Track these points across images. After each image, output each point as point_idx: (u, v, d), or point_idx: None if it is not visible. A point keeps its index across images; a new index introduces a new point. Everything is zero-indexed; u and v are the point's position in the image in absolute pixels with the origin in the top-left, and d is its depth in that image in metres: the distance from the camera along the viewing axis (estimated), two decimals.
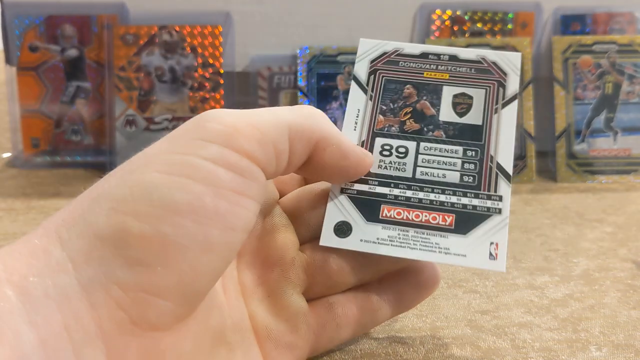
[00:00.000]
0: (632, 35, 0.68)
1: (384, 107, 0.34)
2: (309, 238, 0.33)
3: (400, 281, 0.34)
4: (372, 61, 0.35)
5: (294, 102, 0.65)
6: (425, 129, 0.33)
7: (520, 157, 0.66)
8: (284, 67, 0.66)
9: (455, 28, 0.69)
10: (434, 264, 0.35)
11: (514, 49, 0.67)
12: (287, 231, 0.32)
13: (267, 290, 0.31)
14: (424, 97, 0.34)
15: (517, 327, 0.39)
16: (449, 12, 0.69)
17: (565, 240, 0.52)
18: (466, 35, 0.69)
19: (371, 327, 0.35)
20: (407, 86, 0.34)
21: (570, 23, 0.69)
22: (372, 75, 0.34)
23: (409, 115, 0.34)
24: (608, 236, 0.53)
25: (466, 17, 0.69)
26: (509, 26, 0.69)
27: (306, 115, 0.29)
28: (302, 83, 0.65)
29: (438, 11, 0.69)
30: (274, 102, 0.65)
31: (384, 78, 0.34)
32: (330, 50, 0.66)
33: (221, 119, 0.26)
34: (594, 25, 0.69)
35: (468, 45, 0.67)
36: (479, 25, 0.69)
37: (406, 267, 0.34)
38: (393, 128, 0.33)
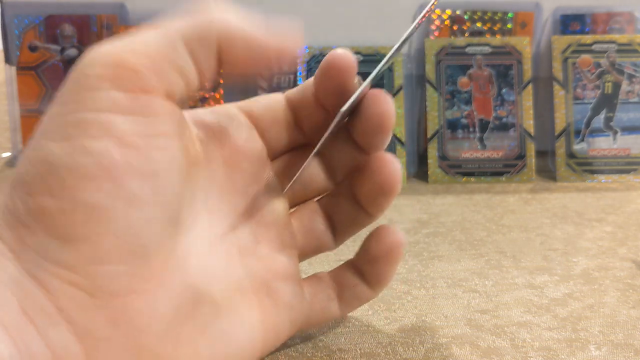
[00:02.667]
0: (631, 34, 0.68)
1: None
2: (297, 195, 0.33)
3: (360, 259, 0.35)
4: None
5: None
6: None
7: (519, 157, 0.66)
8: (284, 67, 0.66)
9: (455, 28, 0.69)
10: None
11: (513, 48, 0.67)
12: (278, 192, 0.32)
13: (266, 249, 0.31)
14: None
15: (516, 326, 0.39)
16: (448, 11, 0.69)
17: (565, 240, 0.52)
18: (466, 34, 0.69)
19: (356, 304, 0.35)
20: None
21: (569, 23, 0.70)
22: None
23: None
24: (608, 235, 0.53)
25: (466, 17, 0.69)
26: (509, 26, 0.69)
27: (202, 19, 0.26)
28: (301, 83, 0.65)
29: (438, 11, 0.69)
30: None
31: None
32: (330, 50, 0.66)
33: (102, 59, 0.23)
34: (594, 25, 0.69)
35: (467, 45, 0.67)
36: (478, 24, 0.69)
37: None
38: None
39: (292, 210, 0.34)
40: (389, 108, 0.30)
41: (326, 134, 0.31)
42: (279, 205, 0.32)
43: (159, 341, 0.25)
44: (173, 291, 0.25)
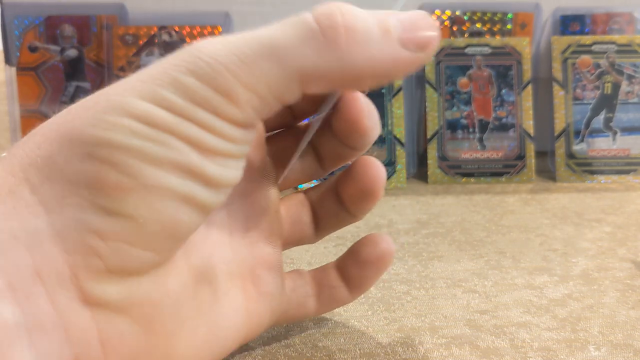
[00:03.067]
0: (631, 35, 0.68)
1: None
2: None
3: (346, 261, 0.34)
4: None
5: None
6: None
7: (519, 157, 0.66)
8: None
9: (455, 28, 0.69)
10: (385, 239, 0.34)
11: (513, 49, 0.67)
12: (270, 181, 0.31)
13: (255, 236, 0.30)
14: None
15: (516, 326, 0.39)
16: (448, 12, 0.69)
17: (565, 240, 0.52)
18: (465, 35, 0.69)
19: (332, 305, 0.35)
20: None
21: (569, 23, 0.70)
22: None
23: None
24: (607, 236, 0.53)
25: (465, 17, 0.69)
26: (508, 26, 0.69)
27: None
28: None
29: (437, 11, 0.69)
30: None
31: None
32: None
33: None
34: (593, 26, 0.70)
35: (467, 46, 0.67)
36: (478, 25, 0.69)
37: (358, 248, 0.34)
38: None
39: (281, 198, 0.33)
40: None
41: (312, 129, 0.30)
42: (272, 192, 0.31)
43: (167, 318, 0.25)
44: (180, 270, 0.26)
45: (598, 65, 0.67)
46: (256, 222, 0.30)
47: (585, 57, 0.67)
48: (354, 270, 0.33)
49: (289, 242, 0.34)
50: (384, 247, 0.32)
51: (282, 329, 0.39)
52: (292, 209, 0.33)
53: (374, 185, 0.31)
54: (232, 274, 0.29)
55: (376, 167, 0.31)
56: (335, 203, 0.33)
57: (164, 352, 0.25)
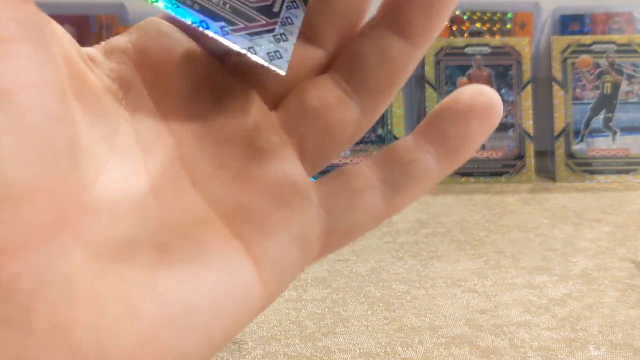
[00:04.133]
0: (631, 35, 0.68)
1: None
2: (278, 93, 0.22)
3: (438, 117, 0.23)
4: None
5: None
6: None
7: (519, 157, 0.66)
8: None
9: (455, 28, 0.69)
10: None
11: (513, 49, 0.67)
12: (235, 88, 0.22)
13: (235, 169, 0.21)
14: None
15: (515, 326, 0.39)
16: None
17: (564, 240, 0.52)
18: (465, 35, 0.69)
19: (416, 189, 0.22)
20: None
21: (569, 23, 0.70)
22: None
23: None
24: (607, 236, 0.53)
25: (465, 17, 0.69)
26: (508, 26, 0.69)
27: None
28: None
29: None
30: None
31: None
32: None
33: None
34: (593, 26, 0.70)
35: (467, 46, 0.67)
36: (478, 25, 0.69)
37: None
38: None
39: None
40: None
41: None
42: (251, 110, 0.22)
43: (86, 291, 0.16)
44: (89, 237, 0.17)
45: (598, 65, 0.67)
46: (234, 153, 0.21)
47: (585, 57, 0.67)
48: (450, 127, 0.22)
49: (325, 139, 0.22)
50: (491, 94, 0.23)
51: (282, 329, 0.39)
52: (320, 89, 0.22)
53: None
54: (197, 226, 0.20)
55: None
56: (387, 41, 0.22)
57: None
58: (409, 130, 0.66)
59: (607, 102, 0.67)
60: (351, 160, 0.64)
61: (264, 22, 0.22)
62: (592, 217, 0.57)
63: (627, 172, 0.66)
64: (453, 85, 0.66)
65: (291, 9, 0.22)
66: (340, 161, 0.64)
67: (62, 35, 0.19)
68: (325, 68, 0.22)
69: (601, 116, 0.67)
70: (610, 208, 0.59)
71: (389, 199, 0.22)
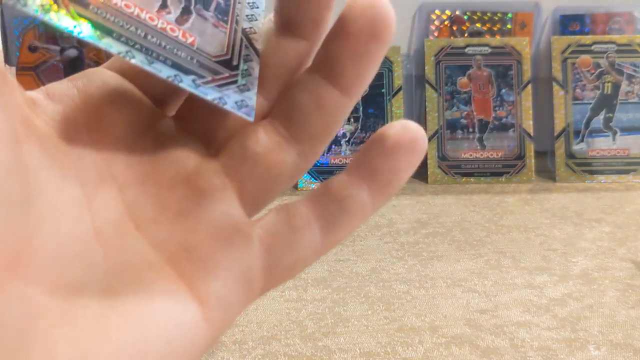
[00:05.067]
0: (631, 35, 0.68)
1: None
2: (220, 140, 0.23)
3: (367, 154, 0.23)
4: None
5: None
6: None
7: (519, 157, 0.66)
8: None
9: (455, 28, 0.69)
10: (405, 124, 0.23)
11: (513, 49, 0.67)
12: (177, 135, 0.23)
13: (177, 211, 0.22)
14: None
15: (515, 326, 0.39)
16: (448, 12, 0.69)
17: (564, 240, 0.52)
18: (465, 35, 0.69)
19: (351, 223, 0.23)
20: None
21: (569, 23, 0.70)
22: None
23: None
24: (607, 236, 0.53)
25: (465, 17, 0.69)
26: (508, 26, 0.69)
27: None
28: None
29: (437, 11, 0.69)
30: None
31: None
32: None
33: None
34: (593, 25, 0.70)
35: (467, 46, 0.67)
36: (478, 25, 0.69)
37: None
38: None
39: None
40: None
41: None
42: (192, 155, 0.23)
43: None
44: (40, 283, 0.18)
45: (598, 65, 0.67)
46: (171, 195, 0.22)
47: (585, 57, 0.67)
48: (380, 162, 0.23)
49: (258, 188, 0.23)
50: (415, 129, 0.23)
51: (282, 329, 0.39)
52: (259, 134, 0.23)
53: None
54: (154, 266, 0.21)
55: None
56: (316, 89, 0.23)
57: None
58: None
59: (607, 102, 0.67)
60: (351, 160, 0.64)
61: (227, 75, 0.24)
62: (592, 217, 0.57)
63: (627, 172, 0.66)
64: (453, 85, 0.67)
65: (247, 61, 0.24)
66: (341, 161, 0.64)
67: (11, 79, 0.19)
68: (265, 114, 0.24)
69: (601, 116, 0.67)
70: (610, 208, 0.59)
71: (326, 234, 0.23)
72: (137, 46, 0.23)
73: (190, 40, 0.24)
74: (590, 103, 0.67)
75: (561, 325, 0.39)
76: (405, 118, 0.65)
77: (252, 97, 0.24)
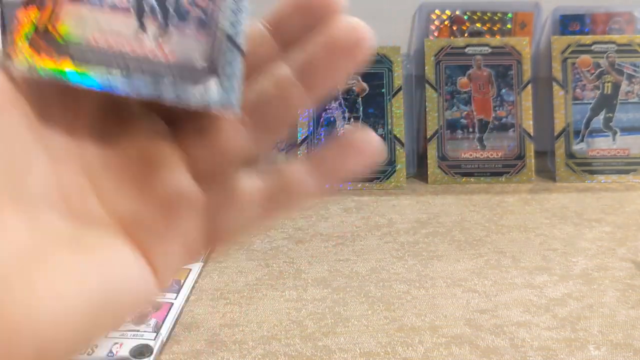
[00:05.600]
0: (631, 35, 0.68)
1: None
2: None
3: (322, 149, 0.25)
4: None
5: None
6: None
7: (519, 157, 0.66)
8: None
9: (455, 28, 0.69)
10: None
11: (513, 48, 0.67)
12: (139, 113, 0.25)
13: (134, 184, 0.24)
14: None
15: (515, 326, 0.39)
16: (448, 12, 0.69)
17: (564, 240, 0.52)
18: (465, 35, 0.69)
19: (292, 202, 0.25)
20: None
21: (569, 23, 0.70)
22: None
23: None
24: (607, 236, 0.53)
25: (465, 17, 0.69)
26: (508, 26, 0.69)
27: None
28: None
29: (437, 11, 0.69)
30: None
31: None
32: None
33: None
34: (593, 25, 0.70)
35: (467, 46, 0.67)
36: (478, 25, 0.69)
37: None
38: None
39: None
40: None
41: None
42: (149, 130, 0.24)
43: None
44: (23, 224, 0.21)
45: (598, 65, 0.67)
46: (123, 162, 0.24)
47: (585, 57, 0.67)
48: (330, 155, 0.25)
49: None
50: (371, 133, 0.24)
51: (282, 328, 0.39)
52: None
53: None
54: (99, 227, 0.23)
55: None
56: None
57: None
58: (409, 130, 0.66)
59: (607, 102, 0.67)
60: None
61: (210, 81, 0.26)
62: (592, 217, 0.57)
63: (627, 172, 0.66)
64: (453, 85, 0.67)
65: (231, 63, 0.26)
66: None
67: None
68: None
69: (601, 116, 0.67)
70: (610, 208, 0.59)
71: (268, 211, 0.25)
72: (120, 73, 0.25)
73: (168, 55, 0.26)
74: (590, 103, 0.67)
75: (561, 325, 0.39)
76: (405, 118, 0.65)
77: (237, 98, 0.25)
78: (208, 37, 0.27)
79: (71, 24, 0.27)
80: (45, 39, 0.27)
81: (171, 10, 0.28)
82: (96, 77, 0.25)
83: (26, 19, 0.27)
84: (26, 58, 0.25)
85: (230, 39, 0.27)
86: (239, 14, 0.29)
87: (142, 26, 0.27)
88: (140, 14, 0.27)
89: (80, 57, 0.26)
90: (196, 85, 0.25)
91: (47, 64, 0.25)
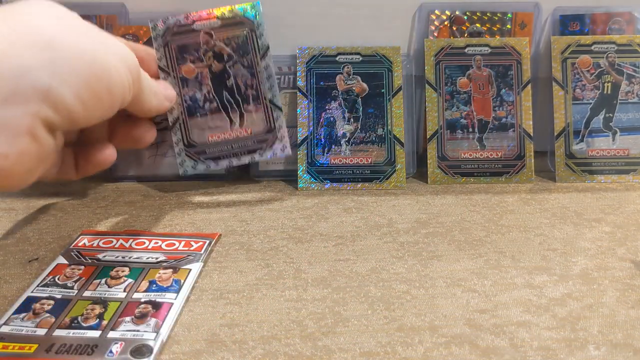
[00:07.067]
0: (631, 35, 0.68)
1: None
2: None
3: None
4: None
5: (293, 102, 0.66)
6: None
7: (519, 157, 0.66)
8: (283, 67, 0.66)
9: (454, 28, 0.69)
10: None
11: (513, 49, 0.67)
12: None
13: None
14: None
15: (515, 326, 0.39)
16: (448, 12, 0.69)
17: (564, 240, 0.52)
18: (465, 35, 0.69)
19: (59, 175, 0.47)
20: None
21: (569, 23, 0.70)
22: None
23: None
24: (607, 236, 0.53)
25: (465, 17, 0.69)
26: (508, 26, 0.69)
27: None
28: (301, 83, 0.65)
29: (437, 11, 0.69)
30: None
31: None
32: (330, 50, 0.66)
33: None
34: (593, 25, 0.70)
35: (467, 46, 0.67)
36: (478, 25, 0.69)
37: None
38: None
39: None
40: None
41: None
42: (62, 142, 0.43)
43: None
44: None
45: (598, 65, 0.67)
46: None
47: (585, 57, 0.67)
48: (82, 162, 0.48)
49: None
50: (108, 153, 0.48)
51: (282, 328, 0.39)
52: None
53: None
54: None
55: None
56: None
57: None
58: (409, 130, 0.66)
59: (607, 102, 0.67)
60: (351, 161, 0.64)
61: (271, 137, 0.58)
62: (592, 217, 0.57)
63: (627, 172, 0.66)
64: (453, 85, 0.67)
65: (277, 119, 0.58)
66: (341, 161, 0.64)
67: None
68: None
69: (601, 116, 0.67)
70: (610, 208, 0.59)
71: (79, 171, 0.48)
72: (230, 155, 0.58)
73: (248, 131, 0.57)
74: (590, 103, 0.67)
75: (561, 325, 0.39)
76: (405, 118, 0.65)
77: (287, 143, 0.56)
78: (261, 107, 0.56)
79: (195, 131, 0.58)
80: (190, 147, 0.58)
81: (240, 99, 0.57)
82: (223, 162, 0.58)
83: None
84: (181, 164, 0.59)
85: (272, 102, 0.57)
86: (271, 79, 0.58)
87: (231, 120, 0.58)
88: (226, 111, 0.58)
89: (211, 153, 0.58)
90: (271, 148, 0.58)
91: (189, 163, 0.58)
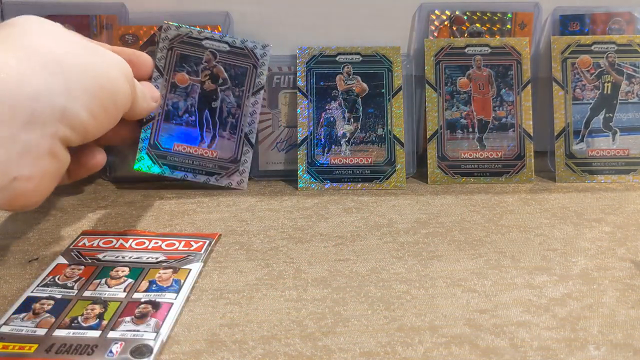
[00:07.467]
0: (631, 35, 0.68)
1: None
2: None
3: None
4: None
5: (293, 102, 0.65)
6: None
7: (519, 157, 0.66)
8: (284, 67, 0.66)
9: (454, 28, 0.69)
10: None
11: (513, 49, 0.67)
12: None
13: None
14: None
15: (515, 326, 0.39)
16: (447, 12, 0.69)
17: (564, 240, 0.52)
18: (465, 35, 0.69)
19: (86, 173, 0.48)
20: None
21: (569, 23, 0.70)
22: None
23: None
24: (607, 236, 0.53)
25: (465, 17, 0.69)
26: (508, 26, 0.69)
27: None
28: (301, 83, 0.65)
29: (437, 11, 0.69)
30: (273, 102, 0.65)
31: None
32: (330, 50, 0.66)
33: None
34: (593, 25, 0.70)
35: (467, 46, 0.67)
36: (477, 25, 0.69)
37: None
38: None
39: None
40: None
41: None
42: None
43: None
44: None
45: (598, 65, 0.67)
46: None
47: (585, 57, 0.67)
48: (74, 166, 0.46)
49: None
50: (99, 158, 0.48)
51: (282, 328, 0.39)
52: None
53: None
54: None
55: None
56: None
57: None
58: (409, 130, 0.66)
59: (607, 102, 0.67)
60: (351, 161, 0.64)
61: (233, 168, 0.60)
62: (592, 217, 0.57)
63: (626, 172, 0.66)
64: (453, 85, 0.67)
65: (245, 154, 0.60)
66: (341, 161, 0.64)
67: None
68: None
69: (601, 116, 0.67)
70: (610, 208, 0.59)
71: (71, 176, 0.47)
72: (188, 169, 0.60)
73: (214, 155, 0.59)
74: (590, 103, 0.67)
75: (561, 325, 0.39)
76: (405, 118, 0.65)
77: (245, 178, 0.60)
78: (235, 137, 0.57)
79: (165, 135, 0.58)
80: (154, 147, 0.58)
81: (218, 122, 0.60)
82: (178, 173, 0.59)
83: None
84: (138, 160, 0.58)
85: (247, 136, 0.60)
86: (254, 116, 0.59)
87: (202, 139, 0.60)
88: (201, 128, 0.60)
89: (171, 160, 0.58)
90: (229, 177, 0.60)
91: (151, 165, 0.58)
